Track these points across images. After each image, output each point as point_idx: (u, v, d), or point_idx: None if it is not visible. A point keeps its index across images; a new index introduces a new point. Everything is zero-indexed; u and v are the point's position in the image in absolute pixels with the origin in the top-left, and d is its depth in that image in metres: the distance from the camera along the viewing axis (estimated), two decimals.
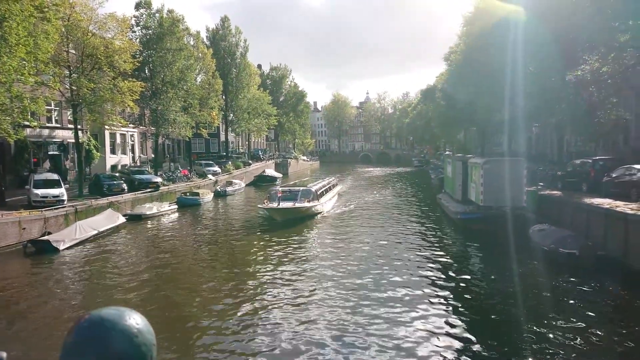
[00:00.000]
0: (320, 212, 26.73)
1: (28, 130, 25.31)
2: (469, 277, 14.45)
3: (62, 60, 24.53)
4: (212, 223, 26.87)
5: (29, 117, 21.32)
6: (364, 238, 20.31)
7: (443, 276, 14.35)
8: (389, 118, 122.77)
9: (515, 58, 23.05)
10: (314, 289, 13.00)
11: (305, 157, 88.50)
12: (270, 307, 11.70)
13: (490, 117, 32.58)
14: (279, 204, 23.66)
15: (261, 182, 49.16)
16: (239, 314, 11.26)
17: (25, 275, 15.81)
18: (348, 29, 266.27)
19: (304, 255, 17.53)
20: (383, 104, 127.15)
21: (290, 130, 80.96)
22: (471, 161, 24.00)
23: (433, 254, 17.18)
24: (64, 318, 11.61)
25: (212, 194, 35.90)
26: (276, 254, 17.54)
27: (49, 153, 31.16)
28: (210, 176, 41.30)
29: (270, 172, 54.41)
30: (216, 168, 44.44)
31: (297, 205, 24.46)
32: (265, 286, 13.53)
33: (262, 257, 17.30)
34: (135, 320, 0.95)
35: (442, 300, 12.00)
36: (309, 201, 25.40)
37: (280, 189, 26.70)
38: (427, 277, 14.17)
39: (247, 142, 70.78)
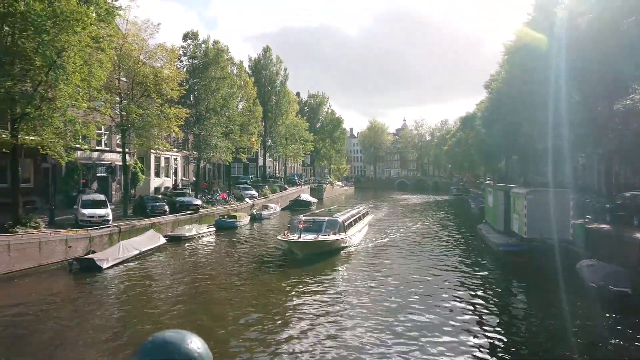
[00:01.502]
0: (348, 246, 24.06)
1: (79, 152, 26.82)
2: (511, 314, 13.80)
3: (114, 87, 26.09)
4: (247, 247, 27.03)
5: (81, 140, 22.58)
6: (396, 273, 18.85)
7: (485, 312, 13.73)
8: (427, 145, 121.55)
9: (559, 86, 22.49)
10: (344, 328, 12.19)
11: (340, 183, 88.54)
12: (297, 343, 11.45)
13: (533, 146, 31.63)
14: (300, 236, 20.89)
15: (296, 207, 49.46)
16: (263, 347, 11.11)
17: (69, 292, 16.45)
18: (385, 57, 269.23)
19: (330, 291, 16.16)
20: (420, 130, 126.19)
21: (326, 155, 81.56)
22: (514, 191, 23.23)
23: (472, 289, 16.47)
24: (102, 335, 11.94)
25: (249, 218, 36.41)
26: (301, 288, 16.52)
27: (97, 175, 32.79)
28: (247, 200, 42.00)
29: (306, 196, 54.73)
30: (253, 192, 45.17)
31: (321, 237, 21.60)
32: (291, 322, 12.79)
33: (290, 289, 16.48)
34: (196, 344, 0.99)
35: (484, 341, 11.42)
36: (334, 233, 22.54)
37: (302, 218, 23.66)
38: (466, 313, 13.55)
39: (283, 167, 71.85)
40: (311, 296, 15.49)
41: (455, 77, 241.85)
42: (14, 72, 17.73)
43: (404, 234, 30.77)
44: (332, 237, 22.16)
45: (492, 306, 14.41)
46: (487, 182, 50.00)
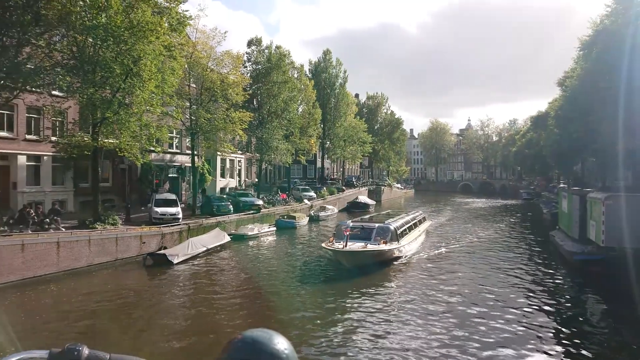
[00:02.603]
0: (401, 257, 21.71)
1: (152, 154, 28.68)
2: (586, 330, 12.80)
3: (184, 93, 27.65)
4: (305, 247, 27.40)
5: (154, 143, 24.11)
6: (457, 286, 17.03)
7: (558, 328, 12.78)
8: (493, 146, 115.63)
9: None
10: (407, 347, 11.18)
11: (399, 185, 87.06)
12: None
13: (613, 147, 29.11)
14: (345, 245, 18.76)
15: (354, 209, 49.34)
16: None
17: (143, 284, 17.63)
18: (446, 57, 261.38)
19: (380, 304, 14.68)
20: (486, 131, 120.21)
21: (385, 157, 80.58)
22: (591, 196, 21.55)
23: (544, 302, 15.25)
24: (173, 326, 12.66)
25: (307, 218, 36.93)
26: (347, 301, 15.22)
27: (169, 175, 34.89)
28: (306, 201, 42.62)
29: (363, 198, 54.47)
30: (312, 193, 45.77)
31: (370, 247, 19.39)
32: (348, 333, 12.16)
33: (336, 301, 15.33)
34: (284, 345, 0.99)
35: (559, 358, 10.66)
36: (385, 242, 20.19)
37: (350, 224, 21.39)
38: (537, 330, 12.61)
39: (341, 169, 72.04)
40: (356, 310, 14.14)
41: (523, 74, 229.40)
42: (95, 80, 19.35)
43: (468, 242, 28.37)
44: (382, 246, 19.80)
45: (566, 322, 13.42)
46: (561, 185, 46.75)
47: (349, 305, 14.81)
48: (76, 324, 12.84)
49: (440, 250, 24.76)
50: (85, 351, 1.03)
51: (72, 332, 12.15)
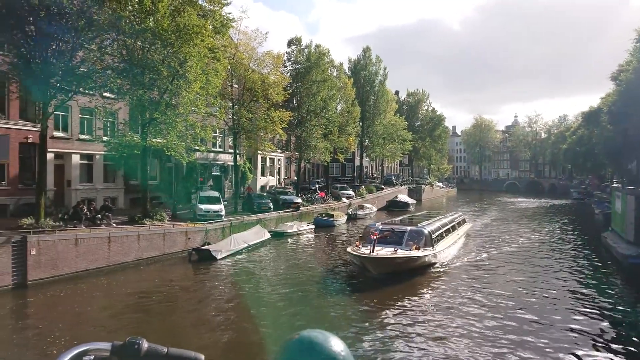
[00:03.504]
0: (436, 263, 19.72)
1: (197, 153, 29.59)
2: None
3: (227, 93, 28.36)
4: (341, 246, 27.20)
5: (199, 142, 24.88)
6: (499, 294, 15.52)
7: (612, 336, 12.14)
8: (542, 143, 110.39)
9: None
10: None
11: (440, 184, 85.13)
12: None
13: None
14: (372, 250, 16.98)
15: (393, 208, 48.79)
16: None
17: (189, 279, 18.29)
18: (490, 51, 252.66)
19: (412, 313, 13.63)
20: (534, 127, 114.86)
21: (426, 155, 79.04)
22: None
23: (596, 309, 14.44)
24: (221, 321, 13.07)
25: (346, 217, 36.90)
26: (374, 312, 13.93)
27: (212, 174, 35.91)
28: (344, 199, 42.59)
29: (403, 197, 53.72)
30: (350, 192, 45.66)
31: (401, 253, 17.35)
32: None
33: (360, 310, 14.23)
34: (340, 347, 0.98)
35: None
36: (418, 247, 18.16)
37: (379, 226, 19.78)
38: (590, 336, 11.99)
39: (380, 167, 71.37)
40: (382, 324, 12.82)
41: (573, 68, 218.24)
42: (144, 82, 20.21)
43: (513, 245, 26.25)
44: (414, 252, 17.82)
45: (620, 330, 12.70)
46: (615, 185, 44.09)
47: (373, 318, 13.33)
48: (126, 317, 13.51)
49: (481, 256, 22.66)
50: (145, 344, 1.09)
51: (122, 324, 12.80)
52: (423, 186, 68.32)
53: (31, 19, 16.82)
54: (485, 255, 22.98)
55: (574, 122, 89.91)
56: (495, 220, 41.14)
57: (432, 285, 17.39)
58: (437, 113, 79.44)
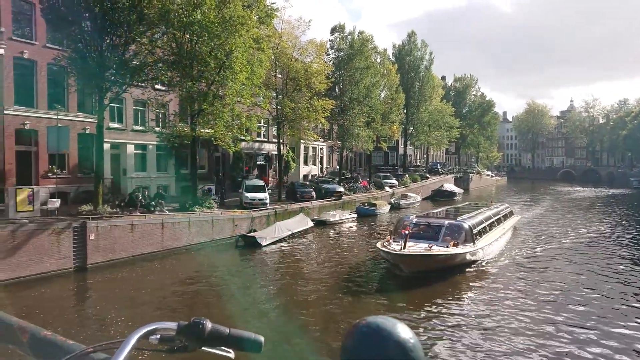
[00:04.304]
0: (478, 261, 17.87)
1: (243, 143, 30.27)
2: None
3: (271, 84, 28.66)
4: (385, 236, 26.78)
5: (245, 132, 25.40)
6: (551, 300, 13.58)
7: None
8: (599, 129, 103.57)
9: None
10: None
11: (489, 172, 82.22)
12: None
13: None
14: (404, 246, 15.07)
15: (439, 197, 47.74)
16: None
17: (235, 264, 18.91)
18: (544, 33, 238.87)
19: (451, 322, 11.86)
20: (592, 112, 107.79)
21: (474, 142, 76.48)
22: None
23: None
24: (263, 305, 13.43)
25: (389, 206, 36.54)
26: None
27: (257, 163, 36.64)
28: (387, 188, 42.15)
29: (450, 186, 52.38)
30: (393, 180, 45.12)
31: (436, 249, 15.58)
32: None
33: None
34: (408, 334, 0.96)
35: None
36: (456, 243, 16.27)
37: (413, 219, 18.26)
38: None
39: (425, 155, 69.85)
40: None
41: (634, 49, 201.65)
42: (192, 74, 20.82)
43: (567, 240, 23.91)
44: (452, 249, 15.96)
45: None
46: None
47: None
48: (177, 299, 14.18)
49: (530, 252, 20.56)
50: (209, 325, 1.13)
51: (173, 306, 13.46)
52: (471, 175, 66.23)
53: (86, 15, 17.72)
54: (534, 251, 20.80)
55: (635, 106, 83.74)
56: (548, 211, 39.14)
57: (471, 286, 15.56)
58: (487, 98, 76.54)
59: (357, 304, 13.72)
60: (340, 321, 12.11)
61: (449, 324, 11.88)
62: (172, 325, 1.15)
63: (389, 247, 15.46)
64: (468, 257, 16.98)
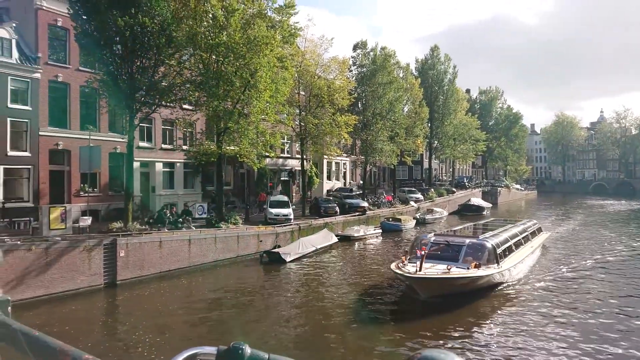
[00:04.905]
0: (501, 283, 16.48)
1: (267, 160, 30.61)
2: None
3: (295, 101, 29.03)
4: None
5: (269, 149, 25.70)
6: (588, 328, 12.42)
7: None
8: (632, 140, 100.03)
9: None
10: None
11: (518, 186, 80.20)
12: None
13: None
14: (420, 268, 13.90)
15: (466, 212, 46.79)
16: None
17: (260, 280, 18.91)
18: (570, 45, 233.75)
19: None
20: (623, 123, 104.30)
21: (501, 156, 74.99)
22: None
23: None
24: (286, 320, 13.35)
25: (414, 221, 36.02)
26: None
27: (281, 179, 36.90)
28: (412, 203, 41.65)
29: (477, 201, 51.31)
30: (418, 195, 44.59)
31: (456, 271, 14.29)
32: None
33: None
34: None
35: None
36: (478, 265, 14.88)
37: (431, 238, 16.97)
38: None
39: (451, 169, 68.85)
40: None
41: None
42: (219, 94, 21.30)
43: (602, 258, 22.28)
44: (473, 271, 14.55)
45: None
46: None
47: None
48: (204, 316, 14.25)
49: (561, 273, 19.02)
50: (248, 350, 1.14)
51: (200, 322, 13.53)
52: (499, 189, 64.77)
53: (117, 39, 18.47)
54: (565, 273, 19.16)
55: None
56: (580, 225, 37.59)
57: (495, 312, 14.22)
58: (513, 111, 75.23)
59: (369, 330, 12.85)
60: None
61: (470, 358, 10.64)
62: (212, 350, 1.16)
63: (403, 268, 14.25)
64: (491, 279, 15.64)
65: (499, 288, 16.23)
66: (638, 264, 21.37)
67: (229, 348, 1.14)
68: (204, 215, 23.87)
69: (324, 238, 25.07)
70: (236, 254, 21.76)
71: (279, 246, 22.83)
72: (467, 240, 16.56)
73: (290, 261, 21.02)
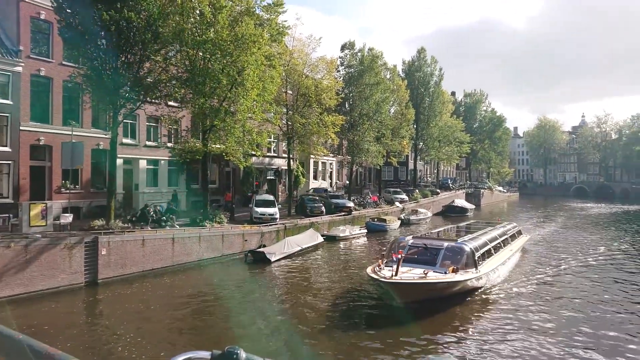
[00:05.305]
0: (480, 288, 16.18)
1: (253, 158, 30.41)
2: None
3: (282, 99, 28.94)
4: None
5: (255, 147, 25.57)
6: (567, 333, 12.22)
7: None
8: (612, 145, 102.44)
9: None
10: None
11: (501, 188, 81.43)
12: None
13: None
14: (396, 273, 13.29)
15: (450, 213, 47.36)
16: None
17: (244, 280, 18.78)
18: (555, 49, 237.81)
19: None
20: (604, 128, 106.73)
21: (484, 158, 76.07)
22: None
23: None
24: (268, 319, 13.29)
25: (399, 222, 36.26)
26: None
27: (267, 178, 36.75)
28: (397, 204, 41.95)
29: (461, 202, 51.93)
30: (403, 196, 44.94)
31: (433, 276, 13.96)
32: None
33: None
34: None
35: None
36: (456, 269, 14.59)
37: (409, 241, 16.42)
38: None
39: (435, 171, 69.57)
40: None
41: None
42: (205, 91, 21.09)
43: (582, 261, 22.51)
44: (450, 276, 14.26)
45: None
46: None
47: None
48: (186, 316, 14.10)
49: (542, 277, 18.83)
50: (243, 355, 1.11)
51: (183, 323, 13.38)
52: (482, 190, 65.66)
53: (102, 33, 18.13)
54: (544, 277, 18.97)
55: None
56: (562, 228, 38.25)
57: (472, 318, 13.90)
58: (497, 114, 76.41)
59: (345, 337, 12.24)
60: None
61: None
62: (206, 354, 1.14)
63: (379, 273, 13.60)
64: (469, 284, 15.24)
65: (477, 293, 16.03)
66: (618, 267, 21.81)
67: (224, 352, 1.11)
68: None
69: (310, 238, 25.06)
70: (221, 253, 21.58)
71: (264, 245, 22.74)
72: (446, 244, 16.15)
73: (275, 261, 20.95)
